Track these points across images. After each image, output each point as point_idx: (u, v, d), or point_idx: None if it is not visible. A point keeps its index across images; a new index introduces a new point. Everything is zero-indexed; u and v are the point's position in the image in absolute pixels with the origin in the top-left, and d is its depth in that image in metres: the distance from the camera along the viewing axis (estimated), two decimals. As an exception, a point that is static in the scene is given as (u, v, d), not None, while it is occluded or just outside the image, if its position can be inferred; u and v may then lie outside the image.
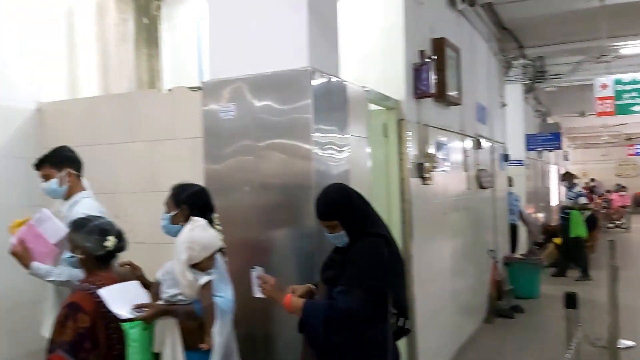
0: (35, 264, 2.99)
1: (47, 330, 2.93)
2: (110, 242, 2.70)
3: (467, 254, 6.41)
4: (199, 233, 2.68)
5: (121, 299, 2.65)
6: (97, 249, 2.69)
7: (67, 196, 3.18)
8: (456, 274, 5.92)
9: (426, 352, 4.68)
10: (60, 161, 3.18)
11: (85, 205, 3.13)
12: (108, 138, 3.94)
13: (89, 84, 4.61)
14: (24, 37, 4.07)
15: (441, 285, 5.46)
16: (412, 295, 4.40)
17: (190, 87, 3.66)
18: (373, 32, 4.66)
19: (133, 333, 2.59)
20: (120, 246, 2.77)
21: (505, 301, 7.39)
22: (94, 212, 3.07)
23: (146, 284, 2.85)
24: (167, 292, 2.71)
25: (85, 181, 3.31)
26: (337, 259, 2.69)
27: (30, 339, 3.44)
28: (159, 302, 2.73)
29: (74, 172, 3.21)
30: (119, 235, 2.77)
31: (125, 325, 2.58)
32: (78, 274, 2.91)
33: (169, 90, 3.80)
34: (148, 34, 5.10)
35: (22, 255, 2.98)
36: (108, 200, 3.87)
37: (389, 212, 4.44)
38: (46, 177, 3.15)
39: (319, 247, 3.08)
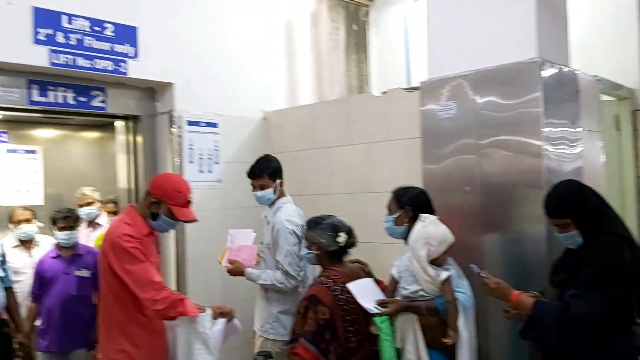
0: (248, 270, 3.29)
1: (256, 325, 3.34)
2: (342, 237, 2.82)
3: None
4: (433, 228, 2.69)
5: (365, 294, 2.75)
6: (330, 244, 2.83)
7: (272, 202, 3.36)
8: None
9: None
10: (275, 172, 3.35)
11: (287, 211, 3.30)
12: (326, 142, 4.12)
13: (306, 91, 4.88)
14: (249, 52, 4.44)
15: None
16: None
17: (405, 88, 3.66)
18: (595, 17, 4.23)
19: (384, 327, 2.65)
20: (351, 242, 2.89)
21: None
22: (295, 218, 3.30)
23: (375, 281, 2.91)
24: (407, 288, 2.73)
25: (285, 189, 3.45)
26: (569, 260, 2.45)
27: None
28: (398, 298, 2.76)
29: (282, 180, 3.37)
30: (350, 232, 2.90)
31: (377, 319, 2.66)
32: (281, 278, 3.19)
33: (384, 92, 3.83)
34: (357, 40, 5.25)
35: (237, 271, 3.31)
36: (326, 200, 4.07)
37: (622, 214, 3.95)
38: (262, 187, 3.31)
39: (546, 253, 2.85)
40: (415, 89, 3.55)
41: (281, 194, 3.36)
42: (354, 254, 3.12)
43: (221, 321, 2.82)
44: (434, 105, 3.29)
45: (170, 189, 2.77)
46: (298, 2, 4.91)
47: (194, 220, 2.84)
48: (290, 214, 3.27)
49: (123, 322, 2.68)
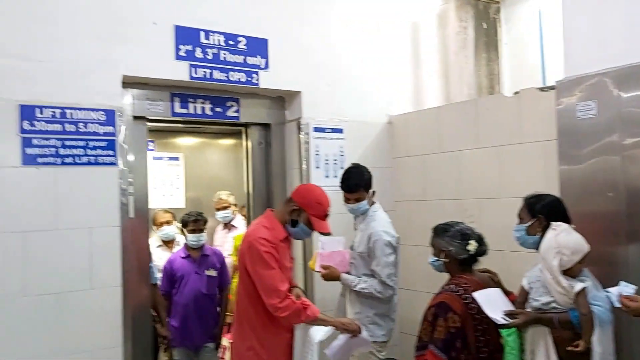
0: (343, 276, 3.42)
1: None
2: (472, 245, 2.74)
3: None
4: (565, 237, 2.54)
5: (492, 303, 2.67)
6: (460, 252, 2.76)
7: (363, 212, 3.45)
8: None
9: None
10: (368, 184, 3.45)
11: (381, 221, 3.41)
12: (453, 145, 4.01)
13: (432, 93, 4.79)
14: (374, 56, 4.45)
15: None
16: None
17: (540, 88, 3.45)
18: None
19: (511, 340, 2.57)
20: (482, 250, 2.79)
21: None
22: (390, 228, 3.38)
23: (504, 291, 2.78)
24: (538, 300, 2.60)
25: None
26: None
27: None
28: (529, 310, 2.64)
29: (366, 191, 3.43)
30: (480, 239, 2.80)
31: (503, 332, 2.58)
32: (378, 287, 3.28)
33: (516, 93, 3.65)
34: (487, 38, 5.06)
35: (331, 276, 3.43)
36: (453, 206, 3.96)
37: None
38: (357, 199, 3.41)
39: None
40: (551, 88, 3.35)
41: (370, 203, 3.46)
42: (482, 262, 2.99)
43: (343, 337, 2.88)
44: (572, 104, 3.08)
45: (313, 200, 2.92)
46: (424, 3, 4.84)
47: (328, 233, 2.97)
48: (385, 225, 3.39)
49: (254, 320, 2.83)
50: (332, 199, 4.03)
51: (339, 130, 4.22)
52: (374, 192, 3.48)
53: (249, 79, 3.84)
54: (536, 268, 2.66)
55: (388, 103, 4.51)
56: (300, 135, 4.09)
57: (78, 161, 3.21)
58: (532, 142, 3.49)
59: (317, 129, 4.12)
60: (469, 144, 3.89)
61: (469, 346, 2.61)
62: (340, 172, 4.08)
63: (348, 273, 3.47)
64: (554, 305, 2.54)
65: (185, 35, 3.58)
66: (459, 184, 3.97)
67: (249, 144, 4.21)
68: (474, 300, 2.64)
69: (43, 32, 3.13)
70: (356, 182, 3.43)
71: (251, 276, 2.77)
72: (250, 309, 2.83)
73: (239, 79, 3.80)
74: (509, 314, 2.60)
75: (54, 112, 3.15)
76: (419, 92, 4.73)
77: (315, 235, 3.77)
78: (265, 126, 4.20)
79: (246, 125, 4.16)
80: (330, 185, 4.08)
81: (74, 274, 3.14)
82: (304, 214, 2.88)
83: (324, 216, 2.95)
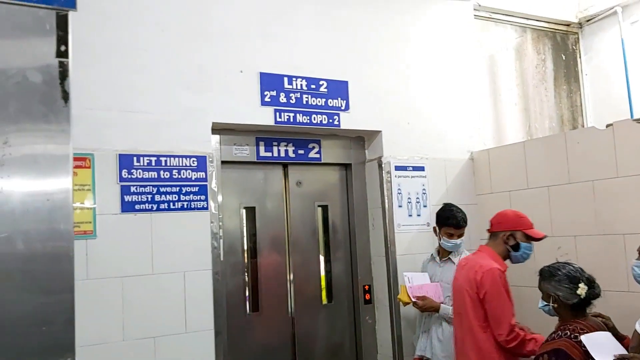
0: (443, 307, 3.52)
1: (437, 352, 3.54)
2: (582, 289, 2.61)
3: None
4: None
5: (601, 347, 2.54)
6: (569, 297, 2.64)
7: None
8: None
9: None
10: (462, 222, 3.63)
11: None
12: (541, 181, 3.88)
13: (513, 127, 4.69)
14: (452, 92, 4.42)
15: None
16: None
17: (636, 119, 3.31)
18: None
19: None
20: (595, 293, 2.66)
21: None
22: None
23: (617, 335, 2.62)
24: None
25: None
26: None
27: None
28: None
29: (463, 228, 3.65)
30: (590, 282, 2.66)
31: None
32: None
33: (609, 125, 3.51)
34: (567, 70, 4.94)
35: (430, 305, 3.52)
36: (545, 244, 3.80)
37: None
38: (461, 236, 3.62)
39: None
40: (648, 119, 3.22)
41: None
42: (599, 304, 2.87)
43: None
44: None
45: (515, 218, 3.14)
46: (500, 37, 4.79)
47: (545, 237, 3.12)
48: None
49: (485, 348, 2.99)
50: (417, 237, 4.01)
51: (421, 168, 4.18)
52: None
53: (331, 120, 3.89)
54: None
55: (469, 139, 4.45)
56: (382, 174, 4.07)
57: (172, 207, 3.31)
58: (629, 175, 3.34)
59: (398, 168, 4.10)
60: (559, 179, 3.76)
61: None
62: (423, 211, 4.03)
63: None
64: None
65: (270, 82, 3.68)
66: (549, 220, 3.82)
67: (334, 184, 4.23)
68: None
69: (138, 84, 3.29)
70: (464, 217, 3.63)
71: (485, 305, 2.95)
72: (481, 336, 2.98)
73: (321, 121, 3.85)
74: (621, 359, 2.44)
75: (150, 159, 3.27)
76: (499, 127, 4.65)
77: (400, 269, 3.82)
78: (346, 166, 4.21)
79: (328, 164, 4.17)
80: (413, 225, 4.06)
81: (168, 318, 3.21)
82: (518, 234, 3.08)
83: (532, 224, 3.13)
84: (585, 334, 2.56)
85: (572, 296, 2.62)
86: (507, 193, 4.14)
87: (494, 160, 4.29)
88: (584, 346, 2.50)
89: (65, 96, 1.70)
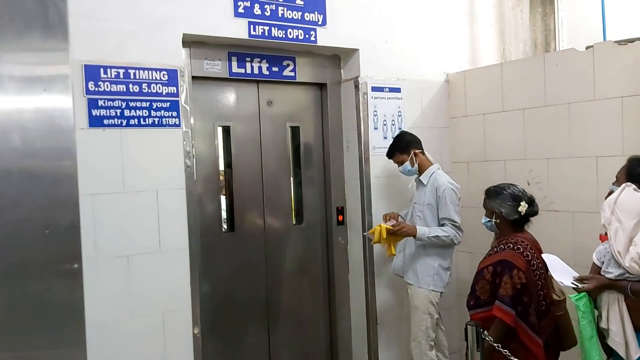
0: (420, 228, 3.50)
1: (410, 278, 3.65)
2: (522, 207, 2.88)
3: None
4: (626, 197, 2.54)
5: (559, 268, 2.76)
6: (511, 213, 2.90)
7: (420, 172, 3.65)
8: None
9: None
10: (405, 147, 3.63)
11: (444, 176, 3.60)
12: (517, 104, 3.88)
13: (488, 51, 4.62)
14: (428, 12, 4.28)
15: None
16: None
17: (618, 41, 3.29)
18: None
19: (582, 305, 2.60)
20: (533, 211, 2.93)
21: None
22: (452, 181, 3.59)
23: None
24: (610, 272, 2.60)
25: (429, 156, 3.70)
26: None
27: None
28: (600, 275, 2.65)
29: (417, 151, 3.64)
30: (531, 201, 2.94)
31: (572, 297, 2.62)
32: (454, 232, 3.49)
33: (589, 47, 3.48)
34: (543, -8, 4.84)
35: (407, 229, 3.48)
36: (518, 166, 3.85)
37: None
38: (399, 163, 3.66)
39: None
40: (630, 41, 3.19)
41: (427, 163, 3.66)
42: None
43: None
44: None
45: None
46: (478, -44, 4.62)
47: None
48: (449, 179, 3.62)
49: None
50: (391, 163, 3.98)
51: (397, 90, 4.10)
52: (414, 153, 3.63)
53: (307, 36, 3.71)
54: (603, 245, 2.69)
55: (446, 60, 4.36)
56: (358, 95, 3.96)
57: (142, 123, 3.14)
58: (607, 98, 3.35)
59: (374, 89, 4.00)
60: (535, 102, 3.76)
61: (532, 300, 2.74)
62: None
63: None
64: (627, 276, 2.53)
65: (244, -9, 3.45)
66: (523, 143, 3.85)
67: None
68: (532, 257, 2.78)
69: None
70: (391, 148, 3.70)
71: None
72: None
73: (296, 36, 3.67)
74: (580, 279, 2.64)
75: (117, 72, 3.07)
76: (474, 49, 4.56)
77: (374, 191, 3.96)
78: (321, 86, 4.08)
79: (303, 84, 4.03)
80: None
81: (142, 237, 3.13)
82: None
83: None
84: (545, 254, 2.83)
85: (514, 213, 2.90)
86: (481, 116, 4.13)
87: (469, 82, 4.24)
88: (527, 256, 2.78)
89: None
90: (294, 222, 4.04)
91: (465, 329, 2.54)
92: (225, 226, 3.74)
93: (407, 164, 3.62)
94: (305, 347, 4.09)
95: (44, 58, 1.43)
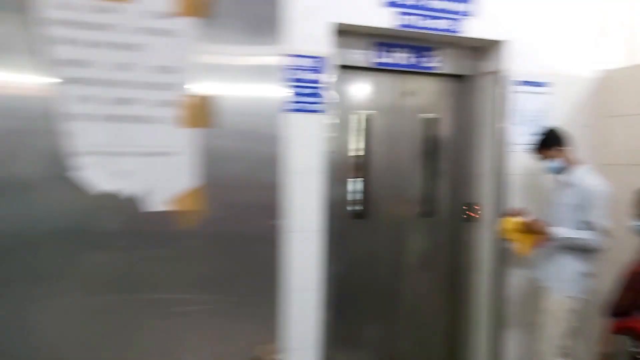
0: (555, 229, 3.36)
1: (549, 282, 3.47)
2: None
3: None
4: None
5: None
6: None
7: (568, 171, 3.45)
8: None
9: None
10: (557, 142, 3.46)
11: (592, 176, 3.38)
12: (681, 104, 3.55)
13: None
14: (583, 4, 4.04)
15: None
16: None
17: None
18: None
19: None
20: None
21: None
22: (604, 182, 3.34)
23: None
24: None
25: (577, 155, 3.53)
26: None
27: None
28: None
29: (568, 148, 3.47)
30: None
31: None
32: (593, 236, 3.26)
33: None
34: None
35: (537, 225, 3.39)
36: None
37: None
38: (549, 158, 3.48)
39: None
40: None
41: (574, 161, 3.47)
42: None
43: None
44: None
45: None
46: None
47: None
48: (601, 180, 3.37)
49: None
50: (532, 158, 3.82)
51: (543, 85, 3.91)
52: (557, 150, 3.46)
53: (452, 26, 3.65)
54: None
55: (597, 56, 4.09)
56: (500, 89, 3.84)
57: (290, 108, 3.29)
58: None
59: (518, 82, 3.84)
60: None
61: None
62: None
63: None
64: None
65: (392, -20, 3.47)
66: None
67: (449, 97, 4.06)
68: None
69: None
70: (538, 141, 3.52)
71: None
72: None
73: (441, 26, 3.63)
74: None
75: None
76: (632, 45, 4.22)
77: (511, 189, 3.67)
78: (464, 78, 4.01)
79: (446, 76, 3.98)
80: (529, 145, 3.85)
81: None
82: None
83: None
84: None
85: None
86: (638, 117, 3.82)
87: (625, 80, 3.94)
88: None
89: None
90: (424, 215, 4.02)
91: (612, 338, 2.41)
92: (356, 213, 3.81)
93: (557, 160, 3.45)
94: (426, 343, 4.07)
95: (264, 50, 1.59)
